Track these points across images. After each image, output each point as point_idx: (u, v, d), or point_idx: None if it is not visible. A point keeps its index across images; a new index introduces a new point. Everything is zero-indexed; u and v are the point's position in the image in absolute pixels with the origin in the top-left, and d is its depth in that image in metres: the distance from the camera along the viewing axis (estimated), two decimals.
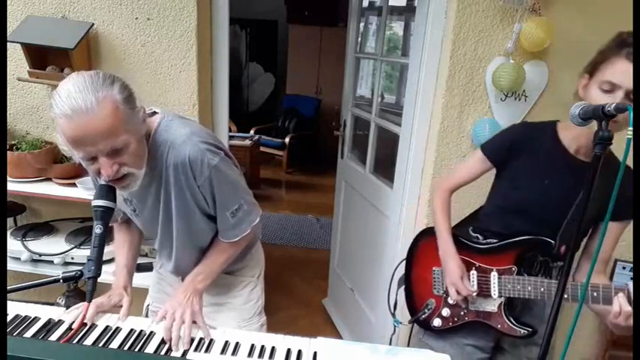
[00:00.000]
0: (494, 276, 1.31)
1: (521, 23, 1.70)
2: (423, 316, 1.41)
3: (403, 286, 1.53)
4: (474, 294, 1.31)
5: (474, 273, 1.34)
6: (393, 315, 1.58)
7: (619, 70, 1.07)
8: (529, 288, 1.25)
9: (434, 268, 1.44)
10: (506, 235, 1.32)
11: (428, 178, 1.96)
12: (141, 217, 1.29)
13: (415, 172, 2.01)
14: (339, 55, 3.42)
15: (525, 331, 1.27)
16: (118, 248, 1.42)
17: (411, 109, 1.96)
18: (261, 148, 5.64)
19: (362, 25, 2.69)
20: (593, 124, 1.13)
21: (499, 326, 1.31)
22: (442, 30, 1.82)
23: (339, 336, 2.71)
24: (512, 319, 1.29)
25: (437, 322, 1.40)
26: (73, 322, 1.14)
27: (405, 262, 1.55)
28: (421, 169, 2.00)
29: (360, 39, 2.68)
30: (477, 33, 1.76)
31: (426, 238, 1.52)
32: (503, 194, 1.38)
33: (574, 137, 1.24)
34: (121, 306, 1.24)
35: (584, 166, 1.22)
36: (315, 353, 1.09)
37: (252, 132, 5.79)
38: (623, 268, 2.02)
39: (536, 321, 1.31)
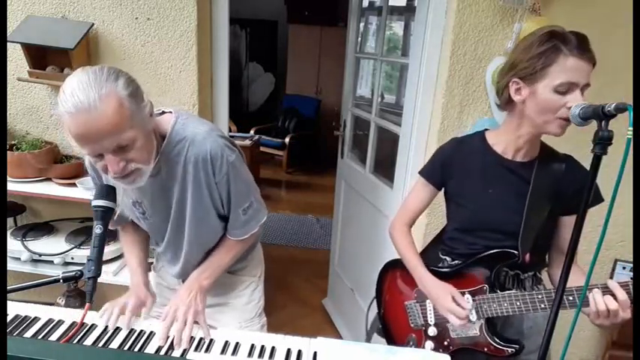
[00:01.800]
0: (468, 298, 1.25)
1: (521, 23, 1.70)
2: None
3: (379, 327, 1.49)
4: (471, 308, 1.25)
5: (453, 290, 1.28)
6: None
7: (570, 69, 1.05)
8: (505, 304, 1.20)
9: (405, 303, 1.39)
10: (472, 255, 1.28)
11: None
12: (151, 220, 1.27)
13: (415, 172, 2.00)
14: (339, 55, 3.42)
15: (513, 349, 1.21)
16: (128, 250, 1.39)
17: (411, 109, 1.96)
18: (261, 148, 5.65)
19: (362, 25, 2.69)
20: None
21: (485, 349, 1.24)
22: (442, 30, 1.82)
23: (339, 336, 2.71)
24: (496, 340, 1.23)
25: None
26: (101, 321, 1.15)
27: (375, 302, 1.51)
28: None
29: (360, 39, 2.68)
30: (477, 33, 1.76)
31: (389, 273, 1.48)
32: (455, 217, 1.35)
33: (505, 141, 1.23)
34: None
35: (521, 166, 1.22)
36: (315, 353, 1.09)
37: (252, 132, 5.80)
38: (623, 268, 2.02)
39: (518, 336, 1.27)
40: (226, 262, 1.32)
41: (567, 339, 0.94)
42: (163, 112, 1.19)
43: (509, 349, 1.22)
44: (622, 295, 1.06)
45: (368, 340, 1.59)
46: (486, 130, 1.31)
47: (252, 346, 1.11)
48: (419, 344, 1.36)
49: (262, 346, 1.11)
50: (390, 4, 2.37)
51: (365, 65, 2.81)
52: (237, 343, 1.12)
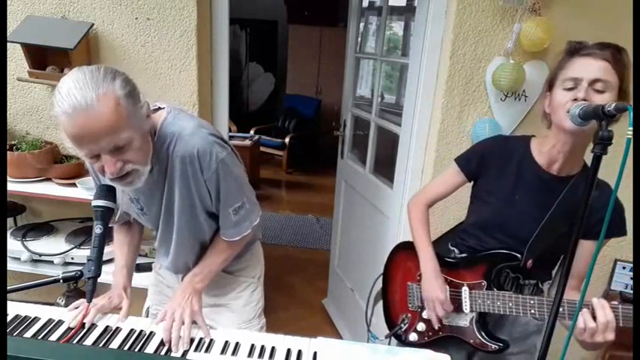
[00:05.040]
0: (465, 290, 1.30)
1: (521, 23, 1.70)
2: (400, 331, 1.41)
3: (380, 301, 1.52)
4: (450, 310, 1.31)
5: (446, 288, 1.33)
6: (369, 330, 1.58)
7: (576, 66, 1.10)
8: (498, 303, 1.23)
9: (408, 283, 1.43)
10: (480, 250, 1.31)
11: (428, 178, 1.96)
12: (149, 216, 1.27)
13: (415, 172, 2.01)
14: (339, 55, 3.42)
15: (497, 346, 1.26)
16: (118, 249, 1.41)
17: (411, 109, 1.96)
18: (261, 148, 5.65)
19: (362, 25, 2.69)
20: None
21: (472, 341, 1.30)
22: (442, 30, 1.82)
23: (339, 336, 2.71)
24: (484, 334, 1.28)
25: (413, 336, 1.39)
26: (73, 321, 1.14)
27: (382, 276, 1.54)
28: (421, 169, 2.00)
29: (360, 39, 2.68)
30: (477, 33, 1.76)
31: (400, 252, 1.51)
32: (476, 211, 1.38)
33: (544, 151, 1.23)
34: (121, 308, 1.24)
35: (555, 180, 1.22)
36: (315, 353, 1.09)
37: (252, 132, 5.79)
38: (623, 268, 2.02)
39: (506, 338, 1.30)
40: (218, 264, 1.31)
41: (567, 339, 0.94)
42: (159, 108, 1.18)
43: (494, 346, 1.27)
44: (602, 316, 1.06)
45: (370, 315, 1.63)
46: (533, 136, 1.31)
47: (252, 346, 1.11)
48: (411, 324, 1.41)
49: (262, 346, 1.11)
50: (390, 4, 2.37)
51: (365, 65, 2.81)
52: (237, 343, 1.12)
